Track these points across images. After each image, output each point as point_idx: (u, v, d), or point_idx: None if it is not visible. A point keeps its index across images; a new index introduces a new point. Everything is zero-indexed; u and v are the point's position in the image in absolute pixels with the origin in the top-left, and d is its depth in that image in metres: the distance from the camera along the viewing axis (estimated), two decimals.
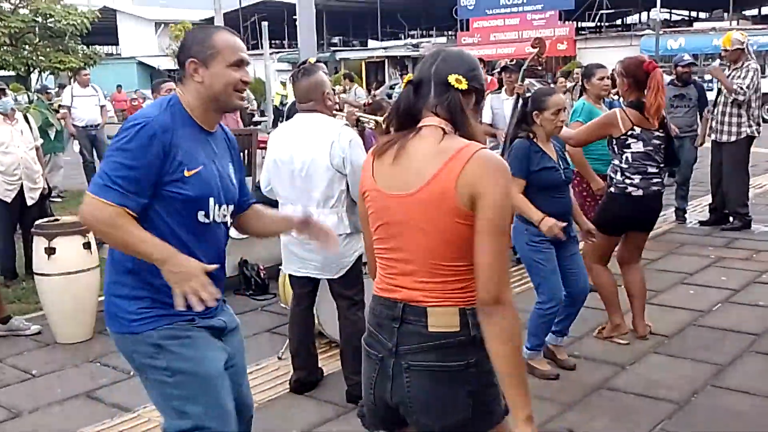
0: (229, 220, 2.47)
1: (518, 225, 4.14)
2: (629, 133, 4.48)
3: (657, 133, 4.51)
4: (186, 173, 2.24)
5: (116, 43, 53.02)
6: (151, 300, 2.29)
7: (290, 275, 4.10)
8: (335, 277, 3.91)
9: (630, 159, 4.50)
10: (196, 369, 2.31)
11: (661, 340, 4.75)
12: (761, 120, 7.67)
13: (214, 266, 2.25)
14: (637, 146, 4.49)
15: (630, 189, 4.53)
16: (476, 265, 1.88)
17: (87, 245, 5.01)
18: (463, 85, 1.98)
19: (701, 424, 3.67)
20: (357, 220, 3.96)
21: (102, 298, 5.30)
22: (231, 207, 2.45)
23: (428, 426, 1.99)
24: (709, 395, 3.99)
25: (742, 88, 7.30)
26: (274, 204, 3.85)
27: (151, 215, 2.24)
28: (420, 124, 2.00)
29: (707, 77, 18.46)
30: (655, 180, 4.56)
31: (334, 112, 4.12)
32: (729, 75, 7.48)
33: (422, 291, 1.95)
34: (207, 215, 2.32)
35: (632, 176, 4.51)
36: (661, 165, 4.57)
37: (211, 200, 2.33)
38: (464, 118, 1.98)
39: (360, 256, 3.93)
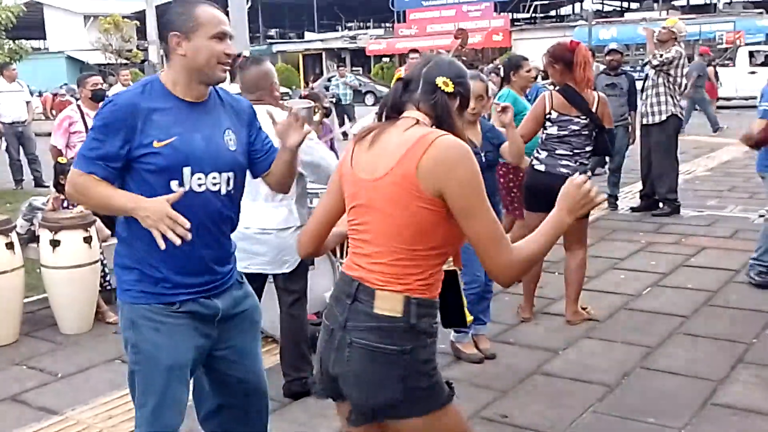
0: (227, 188, 2.44)
1: None
2: (546, 116, 4.63)
3: (576, 119, 4.59)
4: (155, 144, 2.30)
5: (44, 37, 51.48)
6: (139, 272, 2.39)
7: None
8: (285, 271, 3.86)
9: (543, 138, 4.69)
10: (157, 355, 2.39)
11: (594, 325, 4.84)
12: (678, 104, 7.84)
13: (172, 198, 2.25)
14: (552, 129, 4.65)
15: (534, 162, 4.72)
16: (475, 249, 1.99)
17: (10, 245, 4.84)
18: (450, 88, 2.10)
19: (631, 405, 3.74)
20: (306, 212, 3.92)
21: (27, 300, 5.22)
22: (228, 174, 2.43)
23: (360, 401, 2.09)
24: (639, 377, 4.08)
25: (654, 55, 7.53)
26: None
27: (123, 188, 2.35)
28: (401, 116, 2.12)
29: (640, 66, 18.80)
30: (563, 162, 4.63)
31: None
32: (655, 55, 7.63)
33: (376, 273, 2.04)
34: (181, 184, 2.33)
35: (540, 152, 4.70)
36: (579, 151, 4.63)
37: (186, 170, 2.34)
38: (451, 119, 2.10)
39: None
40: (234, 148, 2.46)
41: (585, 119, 4.59)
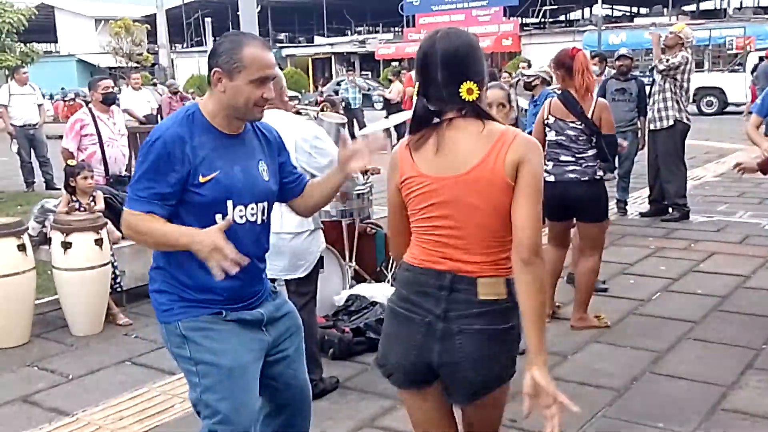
0: (261, 217, 2.52)
1: None
2: (544, 122, 4.67)
3: (572, 124, 4.61)
4: (201, 179, 2.35)
5: (55, 41, 51.79)
6: (177, 296, 2.44)
7: None
8: (301, 276, 3.87)
9: (547, 147, 4.68)
10: (218, 361, 2.42)
11: (603, 329, 4.83)
12: (685, 109, 7.83)
13: (223, 226, 2.31)
14: (551, 135, 4.68)
15: (544, 174, 4.66)
16: (518, 223, 2.12)
17: (22, 247, 4.87)
18: (474, 95, 2.18)
19: (640, 410, 3.74)
20: (319, 216, 3.94)
21: (38, 301, 5.25)
22: (263, 204, 2.52)
23: (474, 380, 2.22)
24: (647, 382, 4.07)
25: (661, 60, 7.54)
26: None
27: (175, 219, 2.39)
28: (447, 117, 2.20)
29: (649, 71, 18.75)
30: (570, 168, 4.65)
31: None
32: (663, 60, 7.64)
33: (473, 264, 2.16)
34: (224, 217, 2.40)
35: (547, 164, 4.67)
36: (582, 155, 4.62)
37: (229, 203, 2.41)
38: (489, 114, 2.21)
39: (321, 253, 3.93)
40: (267, 178, 2.53)
41: (580, 124, 4.60)
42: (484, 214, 2.14)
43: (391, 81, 17.30)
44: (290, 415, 2.73)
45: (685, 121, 7.75)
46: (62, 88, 31.35)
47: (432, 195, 2.19)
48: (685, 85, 7.62)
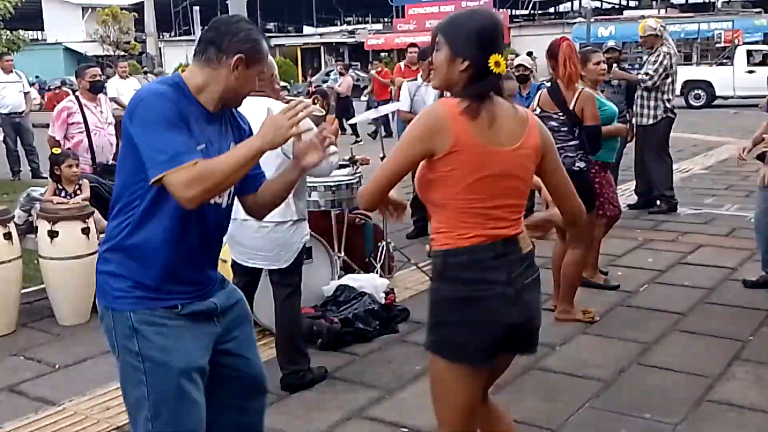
0: (227, 200, 2.43)
1: None
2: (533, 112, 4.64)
3: (555, 115, 4.62)
4: (198, 147, 2.22)
5: (41, 29, 51.33)
6: (134, 282, 2.29)
7: (235, 263, 4.03)
8: (284, 266, 3.86)
9: None
10: (167, 359, 2.28)
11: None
12: (670, 103, 7.86)
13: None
14: None
15: None
16: (565, 192, 2.50)
17: (8, 236, 4.83)
18: (502, 68, 2.34)
19: (627, 400, 3.76)
20: (304, 206, 3.93)
21: (24, 291, 5.21)
22: (230, 187, 2.39)
23: (539, 325, 2.48)
24: (635, 373, 4.09)
25: (648, 74, 7.57)
26: None
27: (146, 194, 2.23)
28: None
29: (638, 64, 18.78)
30: None
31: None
32: (645, 60, 7.70)
33: (510, 226, 2.37)
34: None
35: None
36: (564, 145, 4.56)
37: None
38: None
39: (304, 244, 3.90)
40: None
41: (563, 115, 4.60)
42: (524, 185, 2.38)
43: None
44: (233, 416, 2.55)
45: (670, 114, 7.78)
46: (36, 77, 31.02)
47: (486, 166, 2.28)
48: (669, 78, 7.65)
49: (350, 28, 46.76)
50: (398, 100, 7.56)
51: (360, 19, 52.30)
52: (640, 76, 7.62)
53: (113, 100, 12.25)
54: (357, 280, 4.96)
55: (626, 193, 8.96)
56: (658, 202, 8.04)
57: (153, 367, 2.28)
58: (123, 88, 12.54)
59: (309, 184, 4.84)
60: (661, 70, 7.53)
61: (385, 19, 46.36)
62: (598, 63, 5.06)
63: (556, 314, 4.86)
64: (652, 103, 7.72)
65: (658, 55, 7.60)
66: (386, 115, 9.82)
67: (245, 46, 2.31)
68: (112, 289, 2.31)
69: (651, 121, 7.73)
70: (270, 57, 3.85)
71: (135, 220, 2.26)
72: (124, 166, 2.29)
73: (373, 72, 16.40)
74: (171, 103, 2.20)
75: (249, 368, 2.52)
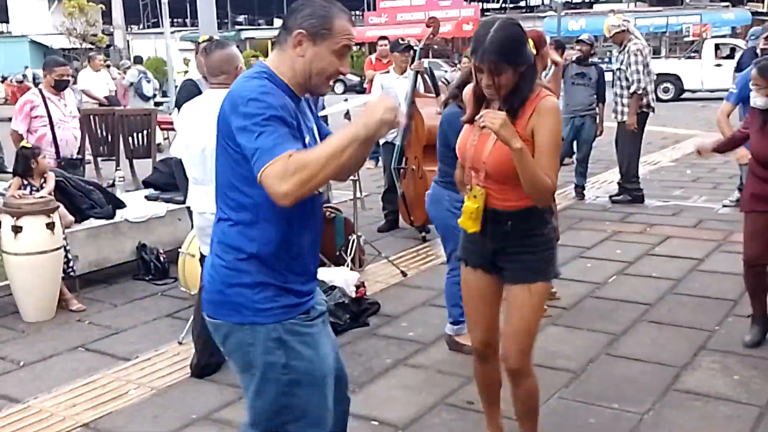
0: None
1: (438, 191, 4.07)
2: None
3: None
4: (306, 140, 2.13)
5: (6, 21, 50.43)
6: (277, 288, 2.15)
7: (204, 256, 3.98)
8: None
9: None
10: (312, 369, 2.19)
11: (560, 312, 4.87)
12: (654, 97, 7.94)
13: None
14: None
15: None
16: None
17: None
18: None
19: (596, 391, 3.79)
20: None
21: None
22: None
23: None
24: (603, 363, 4.12)
25: (631, 81, 7.57)
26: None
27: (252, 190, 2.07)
28: None
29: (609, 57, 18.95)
30: None
31: None
32: (617, 56, 7.76)
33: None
34: None
35: None
36: None
37: None
38: None
39: None
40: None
41: None
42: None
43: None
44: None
45: (644, 110, 7.81)
46: (26, 67, 30.49)
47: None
48: (647, 77, 7.67)
49: None
50: (369, 93, 7.55)
51: None
52: (632, 88, 7.58)
53: (84, 92, 12.09)
54: (327, 274, 4.93)
55: (595, 185, 9.03)
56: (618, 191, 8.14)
57: (299, 377, 2.18)
58: (94, 80, 12.39)
59: None
60: (640, 68, 7.56)
61: (357, 12, 46.18)
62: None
63: None
64: (620, 99, 7.79)
65: (629, 56, 7.62)
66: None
67: (307, 21, 2.15)
68: (253, 301, 2.14)
69: (625, 118, 7.79)
70: (234, 48, 3.82)
71: (263, 222, 2.12)
72: (227, 167, 2.14)
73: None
74: (273, 97, 2.05)
75: (339, 362, 2.44)
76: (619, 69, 7.77)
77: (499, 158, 2.69)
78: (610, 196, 8.28)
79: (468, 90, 2.94)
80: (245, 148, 2.01)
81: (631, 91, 7.59)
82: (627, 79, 7.64)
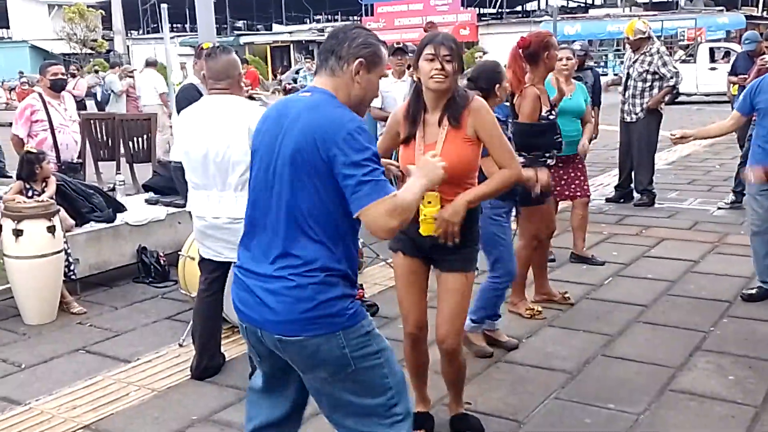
0: None
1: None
2: None
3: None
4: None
5: (7, 26, 50.49)
6: (352, 294, 2.36)
7: (203, 259, 4.03)
8: None
9: None
10: (387, 345, 2.43)
11: (556, 314, 4.92)
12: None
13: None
14: None
15: None
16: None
17: None
18: None
19: (592, 391, 3.82)
20: None
21: None
22: None
23: None
24: (599, 364, 4.16)
25: (670, 76, 7.76)
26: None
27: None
28: None
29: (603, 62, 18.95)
30: None
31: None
32: (634, 59, 7.89)
33: None
34: None
35: None
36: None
37: None
38: None
39: None
40: None
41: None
42: None
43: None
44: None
45: (659, 109, 7.94)
46: (20, 72, 30.48)
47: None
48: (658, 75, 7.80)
49: (320, 26, 46.57)
50: None
51: (329, 17, 52.18)
52: (672, 81, 7.79)
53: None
54: None
55: (591, 188, 9.06)
56: (638, 196, 8.19)
57: (388, 355, 2.41)
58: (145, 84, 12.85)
59: None
60: (674, 62, 7.69)
61: (354, 17, 46.28)
62: (557, 49, 4.78)
63: (509, 307, 4.88)
64: (638, 101, 7.86)
65: (660, 57, 7.78)
66: None
67: (363, 50, 2.36)
68: (344, 309, 2.30)
69: (641, 117, 7.87)
70: (235, 56, 3.87)
71: (345, 242, 2.32)
72: (310, 194, 2.25)
73: None
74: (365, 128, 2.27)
75: None
76: (643, 71, 7.80)
77: (452, 160, 2.83)
78: (607, 199, 8.34)
79: (397, 112, 3.24)
80: (351, 178, 2.19)
81: (672, 83, 7.78)
82: (648, 80, 7.77)
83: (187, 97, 5.02)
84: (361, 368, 2.34)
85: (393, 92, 6.72)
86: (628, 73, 8.04)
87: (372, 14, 40.81)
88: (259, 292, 2.33)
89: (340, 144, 2.19)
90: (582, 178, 5.94)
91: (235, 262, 3.86)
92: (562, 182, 5.84)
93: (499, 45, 21.57)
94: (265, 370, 2.55)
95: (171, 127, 9.87)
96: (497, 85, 3.92)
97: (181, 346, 4.50)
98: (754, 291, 5.08)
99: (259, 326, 2.36)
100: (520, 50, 4.39)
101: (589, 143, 8.32)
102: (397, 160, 3.19)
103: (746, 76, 7.85)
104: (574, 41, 8.88)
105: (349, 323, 2.31)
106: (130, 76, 14.22)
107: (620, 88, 8.25)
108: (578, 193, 5.93)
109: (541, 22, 34.74)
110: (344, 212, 2.25)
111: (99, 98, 15.11)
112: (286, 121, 2.32)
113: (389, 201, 2.19)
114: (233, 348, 4.41)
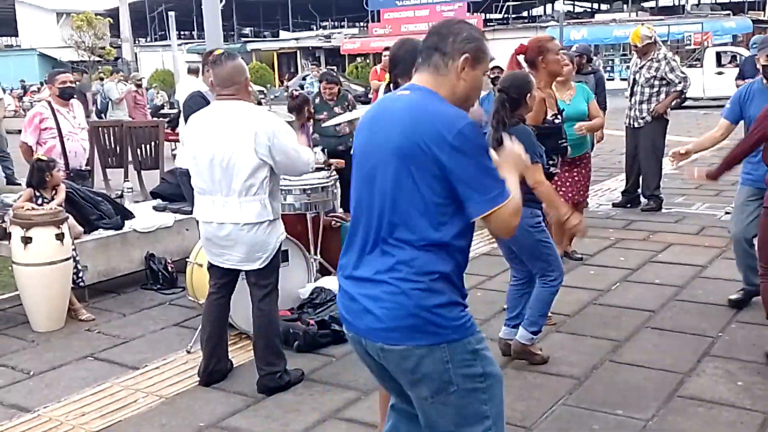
0: None
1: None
2: None
3: None
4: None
5: (15, 34, 50.82)
6: (462, 305, 2.23)
7: (211, 266, 4.04)
8: (260, 267, 3.88)
9: None
10: (496, 371, 2.28)
11: (563, 319, 4.91)
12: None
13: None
14: None
15: None
16: None
17: None
18: None
19: (600, 397, 3.82)
20: (278, 205, 3.95)
21: (0, 297, 5.17)
22: None
23: None
24: (607, 370, 4.15)
25: (678, 81, 7.75)
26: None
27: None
28: None
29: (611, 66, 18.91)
30: None
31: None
32: (641, 65, 7.89)
33: None
34: None
35: None
36: None
37: None
38: None
39: (280, 244, 3.93)
40: None
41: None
42: None
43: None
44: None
45: (665, 116, 7.96)
46: (22, 81, 30.71)
47: None
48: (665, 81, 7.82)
49: (326, 32, 46.77)
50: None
51: (336, 23, 52.32)
52: (678, 88, 7.80)
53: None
54: (333, 283, 4.98)
55: (599, 193, 9.07)
56: (646, 201, 8.19)
57: (493, 382, 2.26)
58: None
59: (283, 187, 4.86)
60: (681, 67, 7.71)
61: (361, 24, 46.47)
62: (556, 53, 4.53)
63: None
64: (645, 107, 7.88)
65: (667, 62, 7.79)
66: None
67: (468, 45, 2.25)
68: (450, 319, 2.18)
69: (647, 121, 7.88)
70: (241, 61, 3.89)
71: (454, 245, 2.19)
72: (422, 192, 2.15)
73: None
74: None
75: None
76: (651, 77, 7.80)
77: None
78: (614, 204, 8.34)
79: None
80: (472, 180, 2.11)
81: (680, 89, 7.78)
82: (656, 86, 7.78)
83: (194, 104, 5.04)
84: (461, 391, 2.21)
85: None
86: (634, 79, 8.04)
87: (379, 20, 40.91)
88: (362, 299, 2.23)
89: (452, 142, 2.10)
90: (584, 182, 5.97)
91: (242, 270, 3.94)
92: (567, 183, 5.86)
93: (505, 50, 21.51)
94: (387, 388, 2.46)
95: None
96: (528, 95, 3.91)
97: (188, 352, 4.51)
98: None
99: (363, 335, 2.27)
100: (518, 56, 4.43)
101: (597, 141, 8.38)
102: None
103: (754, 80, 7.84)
104: (571, 47, 8.85)
105: (456, 336, 2.18)
106: (138, 84, 14.31)
107: (626, 93, 8.25)
108: (579, 199, 5.95)
109: (547, 27, 34.76)
110: (453, 213, 2.15)
111: (99, 106, 15.32)
112: (387, 120, 2.24)
113: (514, 202, 2.16)
114: (241, 354, 4.42)
